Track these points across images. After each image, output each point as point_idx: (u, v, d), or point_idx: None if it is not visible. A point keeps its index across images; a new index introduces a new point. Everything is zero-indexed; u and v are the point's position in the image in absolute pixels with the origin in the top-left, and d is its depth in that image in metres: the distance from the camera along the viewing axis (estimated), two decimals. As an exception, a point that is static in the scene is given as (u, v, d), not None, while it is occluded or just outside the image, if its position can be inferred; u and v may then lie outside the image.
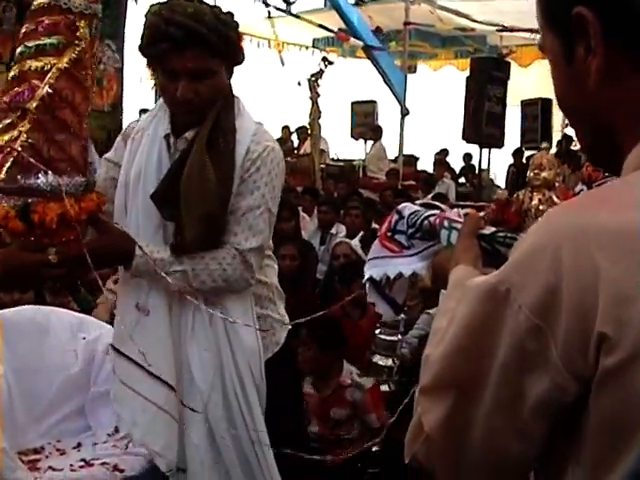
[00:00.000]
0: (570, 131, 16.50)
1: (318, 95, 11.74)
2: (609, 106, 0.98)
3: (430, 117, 17.67)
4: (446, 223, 1.59)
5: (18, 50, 2.10)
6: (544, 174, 2.38)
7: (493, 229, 1.53)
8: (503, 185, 14.46)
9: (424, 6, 13.73)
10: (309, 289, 5.87)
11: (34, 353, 3.37)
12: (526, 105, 14.53)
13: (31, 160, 2.00)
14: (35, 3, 2.08)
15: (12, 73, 2.09)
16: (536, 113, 14.18)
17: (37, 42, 2.05)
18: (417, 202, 1.80)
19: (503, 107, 12.69)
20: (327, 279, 6.07)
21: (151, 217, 2.45)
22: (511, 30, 14.46)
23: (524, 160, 13.69)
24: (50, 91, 2.02)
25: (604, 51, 0.95)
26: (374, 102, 15.95)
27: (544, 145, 2.22)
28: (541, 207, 2.44)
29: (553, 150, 13.68)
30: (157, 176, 2.43)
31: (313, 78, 11.60)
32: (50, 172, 2.02)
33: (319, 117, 12.09)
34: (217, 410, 2.51)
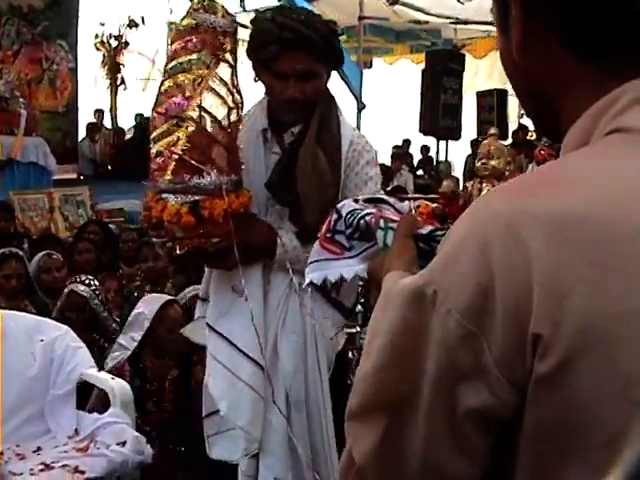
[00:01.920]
0: (526, 121, 16.70)
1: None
2: (537, 79, 0.92)
3: (386, 111, 17.73)
4: (382, 223, 1.49)
5: (169, 66, 2.38)
6: (493, 162, 2.15)
7: (430, 227, 1.42)
8: (461, 176, 14.56)
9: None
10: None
11: (-9, 357, 3.34)
12: (481, 96, 14.63)
13: (194, 162, 2.28)
14: (183, 24, 2.40)
15: (164, 87, 2.36)
16: (492, 104, 14.29)
17: (187, 58, 2.33)
18: (360, 197, 1.70)
19: (459, 99, 12.80)
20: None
21: (257, 203, 2.61)
22: (465, 22, 14.55)
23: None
24: (203, 100, 2.31)
25: (523, 20, 0.89)
26: (331, 97, 15.93)
27: (492, 131, 1.94)
28: None
29: (509, 140, 13.86)
30: (259, 166, 2.62)
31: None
32: (212, 172, 2.29)
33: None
34: (299, 394, 2.64)
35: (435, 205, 1.58)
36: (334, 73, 2.70)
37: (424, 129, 12.68)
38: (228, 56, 2.36)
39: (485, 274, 0.79)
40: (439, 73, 12.39)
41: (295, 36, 2.42)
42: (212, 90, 2.32)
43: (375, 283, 1.37)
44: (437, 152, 13.37)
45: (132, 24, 14.41)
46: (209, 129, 2.33)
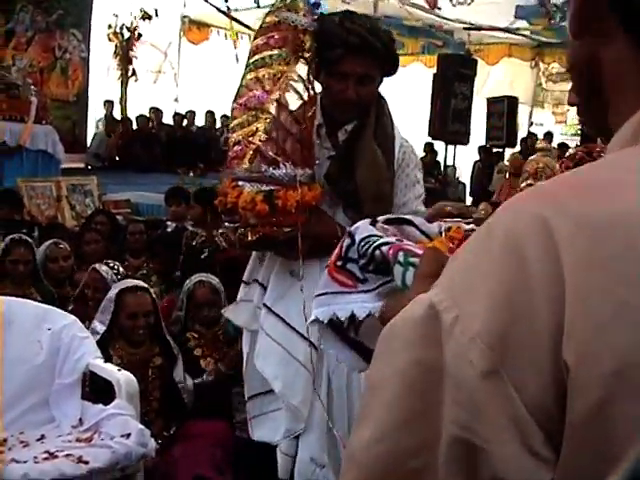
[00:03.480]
0: (535, 129, 16.69)
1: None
2: (590, 61, 0.80)
3: (396, 113, 17.70)
4: (401, 257, 1.26)
5: (251, 60, 2.50)
6: (541, 183, 2.01)
7: None
8: (467, 182, 14.55)
9: (393, 1, 13.76)
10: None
11: (-3, 344, 3.34)
12: (492, 103, 14.63)
13: (271, 153, 2.38)
14: (266, 20, 2.53)
15: (246, 80, 2.48)
16: (502, 111, 14.28)
17: (268, 53, 2.45)
18: (380, 217, 1.50)
19: (469, 104, 12.77)
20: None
21: None
22: (479, 29, 14.54)
23: (488, 156, 13.82)
24: (282, 94, 2.41)
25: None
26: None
27: (540, 145, 1.62)
28: None
29: (517, 148, 13.85)
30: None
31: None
32: (288, 164, 2.39)
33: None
34: (341, 379, 2.71)
35: (469, 227, 1.47)
36: None
37: (433, 133, 12.67)
38: (306, 53, 2.48)
39: (521, 291, 0.65)
40: (451, 78, 12.37)
41: (361, 42, 2.56)
42: (290, 85, 2.43)
43: None
44: (445, 157, 13.34)
45: (145, 16, 14.42)
46: (286, 123, 2.43)
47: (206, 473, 3.57)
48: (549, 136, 15.32)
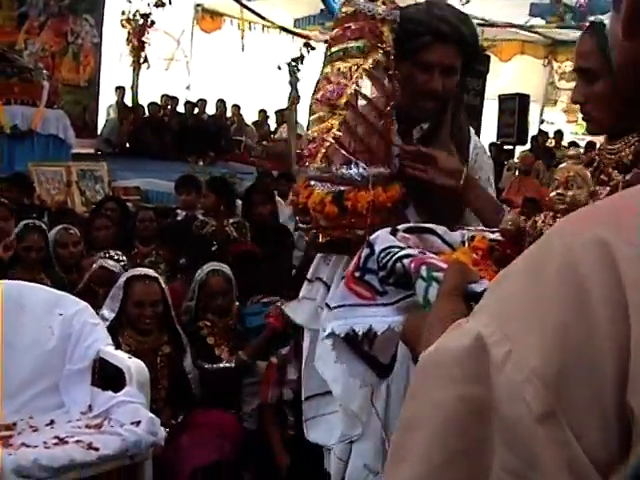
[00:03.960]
0: (545, 127, 16.64)
1: (298, 80, 11.70)
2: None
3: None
4: (424, 271, 1.17)
5: (329, 52, 2.38)
6: (572, 193, 1.71)
7: (487, 284, 1.10)
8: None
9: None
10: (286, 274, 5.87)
11: (8, 328, 3.35)
12: (503, 100, 14.58)
13: (343, 152, 2.24)
14: (342, 10, 2.39)
15: (323, 73, 2.37)
16: (513, 108, 14.24)
17: (345, 45, 2.31)
18: (400, 226, 1.44)
19: (481, 100, 12.73)
20: (302, 265, 6.05)
21: None
22: (492, 25, 14.48)
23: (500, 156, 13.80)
24: (357, 89, 2.27)
25: None
26: (352, 89, 15.90)
27: (571, 152, 1.53)
28: None
29: (528, 146, 13.81)
30: None
31: (293, 63, 11.56)
32: (361, 163, 2.24)
33: (297, 102, 12.04)
34: (400, 382, 2.57)
35: (493, 236, 1.38)
36: None
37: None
38: (386, 44, 2.33)
39: (582, 327, 0.59)
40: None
41: (451, 30, 2.43)
42: (369, 78, 2.30)
43: (411, 352, 1.11)
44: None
45: (159, 3, 14.35)
46: (361, 119, 2.29)
47: (212, 463, 3.58)
48: (559, 135, 15.30)
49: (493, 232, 1.52)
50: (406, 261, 1.22)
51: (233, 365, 4.12)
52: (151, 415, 3.11)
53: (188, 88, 15.85)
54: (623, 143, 2.02)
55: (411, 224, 1.51)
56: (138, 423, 3.02)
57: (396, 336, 1.27)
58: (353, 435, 2.63)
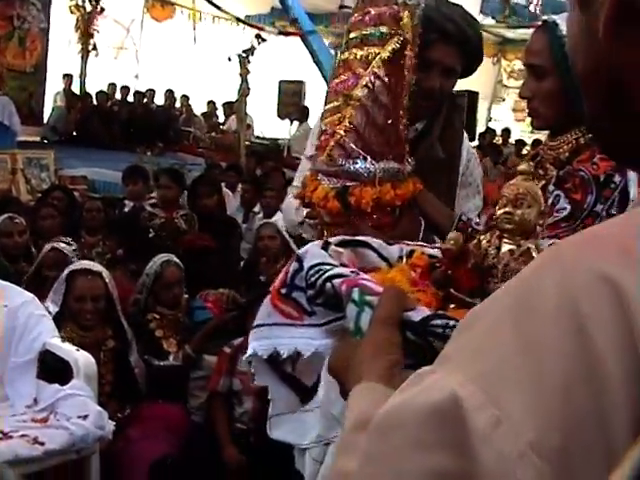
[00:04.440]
0: (493, 124, 16.81)
1: (248, 72, 11.63)
2: (621, 69, 0.66)
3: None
4: (356, 294, 1.06)
5: (346, 39, 2.23)
6: (521, 212, 1.49)
7: (426, 312, 1.02)
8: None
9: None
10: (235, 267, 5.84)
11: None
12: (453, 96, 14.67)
13: (352, 145, 2.10)
14: None
15: (339, 61, 2.22)
16: (462, 105, 14.34)
17: (363, 32, 2.16)
18: (333, 239, 1.34)
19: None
20: (251, 258, 6.03)
21: None
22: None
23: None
24: (373, 79, 2.12)
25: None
26: (302, 82, 15.89)
27: (522, 167, 1.42)
28: (513, 264, 1.47)
29: (475, 142, 13.94)
30: None
31: (244, 54, 11.48)
32: (369, 158, 2.10)
33: (247, 94, 11.97)
34: None
35: (433, 252, 1.25)
36: (308, 58, 2.58)
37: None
38: (405, 32, 2.18)
39: (588, 388, 0.49)
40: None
41: (456, 30, 2.38)
42: (384, 69, 2.14)
43: (339, 385, 1.02)
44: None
45: (109, -10, 14.20)
46: (373, 111, 2.15)
47: (160, 457, 3.55)
48: (507, 132, 15.48)
49: (433, 248, 1.44)
50: (337, 281, 1.10)
51: (180, 363, 4.09)
52: (99, 408, 3.07)
53: (137, 77, 15.69)
54: (562, 140, 2.10)
55: (345, 237, 1.40)
56: (85, 417, 2.98)
57: (323, 359, 1.16)
58: (330, 437, 2.62)
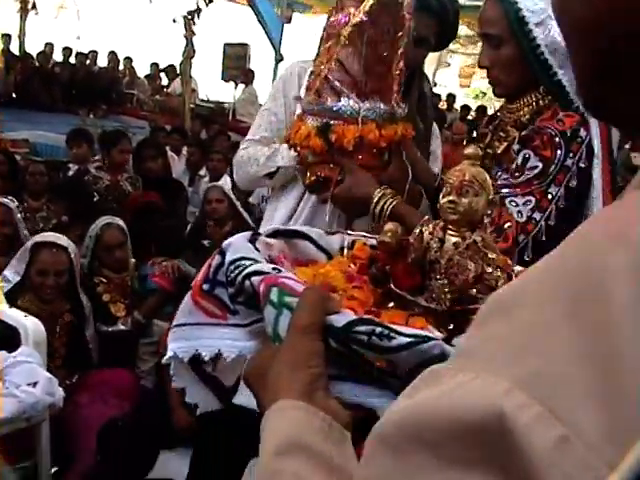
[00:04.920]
0: (438, 89, 16.84)
1: (193, 34, 11.46)
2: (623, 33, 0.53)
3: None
4: (274, 294, 0.96)
5: None
6: (467, 200, 1.31)
7: (350, 317, 0.92)
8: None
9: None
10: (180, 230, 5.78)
11: None
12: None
13: (337, 83, 2.03)
14: None
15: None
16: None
17: None
18: (264, 230, 1.23)
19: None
20: (198, 222, 5.98)
21: None
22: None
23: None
24: (365, 19, 2.01)
25: None
26: (247, 45, 15.70)
27: (469, 150, 1.34)
28: (457, 257, 1.16)
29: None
30: None
31: (189, 16, 11.30)
32: (353, 96, 2.03)
33: (192, 56, 11.81)
34: None
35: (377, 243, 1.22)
36: (253, 21, 2.47)
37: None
38: None
39: None
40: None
41: (437, 3, 2.35)
42: (378, 8, 2.02)
43: (257, 401, 0.89)
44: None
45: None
46: (361, 49, 2.05)
47: (110, 421, 3.52)
48: (451, 97, 15.54)
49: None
50: (255, 279, 1.00)
51: (129, 328, 4.05)
52: (49, 375, 3.01)
53: (78, 38, 15.35)
54: (522, 103, 2.13)
55: (279, 227, 1.28)
56: (35, 384, 2.92)
57: (245, 361, 1.06)
58: None
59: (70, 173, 6.58)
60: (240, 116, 13.59)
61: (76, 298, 3.87)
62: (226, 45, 15.90)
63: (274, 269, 1.02)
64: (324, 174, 2.14)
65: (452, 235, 1.15)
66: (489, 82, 2.22)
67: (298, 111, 2.34)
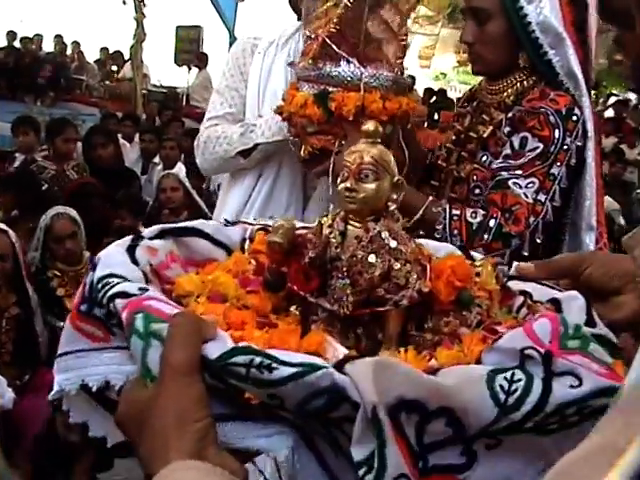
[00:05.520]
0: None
1: (144, 16, 11.31)
2: None
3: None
4: (139, 322, 0.83)
5: None
6: (367, 186, 1.00)
7: (225, 345, 0.80)
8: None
9: None
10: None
11: None
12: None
13: (333, 46, 1.88)
14: None
15: None
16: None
17: None
18: (149, 231, 1.12)
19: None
20: (152, 212, 5.90)
21: None
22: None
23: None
24: None
25: None
26: (200, 27, 15.58)
27: (368, 126, 1.20)
28: (360, 253, 1.00)
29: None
30: None
31: (140, -3, 11.16)
32: (354, 60, 1.89)
33: (143, 40, 11.66)
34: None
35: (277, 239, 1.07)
36: (209, 4, 2.33)
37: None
38: None
39: None
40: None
41: None
42: None
43: (138, 455, 0.76)
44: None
45: None
46: (362, 12, 1.90)
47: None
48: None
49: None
50: (119, 303, 0.87)
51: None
52: (-1, 377, 2.95)
53: (22, 22, 15.11)
54: (505, 84, 2.11)
55: (165, 226, 1.14)
56: (-18, 385, 2.86)
57: None
58: None
59: (16, 164, 6.44)
60: (194, 101, 13.47)
61: (23, 290, 3.76)
62: (178, 28, 15.77)
63: (141, 289, 0.90)
64: (321, 145, 2.00)
65: (354, 227, 1.02)
66: (469, 59, 2.18)
67: (289, 79, 2.27)
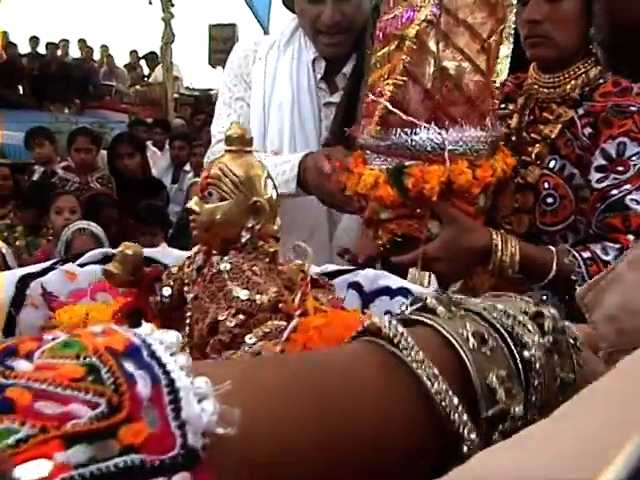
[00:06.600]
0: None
1: (172, 16, 11.30)
2: None
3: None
4: None
5: None
6: (208, 208, 0.95)
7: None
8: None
9: None
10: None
11: None
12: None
13: (397, 112, 1.56)
14: None
15: None
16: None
17: None
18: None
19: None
20: (181, 221, 5.80)
21: (307, 140, 2.31)
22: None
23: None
24: (436, 11, 1.55)
25: None
26: (234, 25, 15.57)
27: (230, 131, 0.99)
28: (201, 295, 0.90)
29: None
30: (312, 104, 2.33)
31: (166, -4, 11.17)
32: (433, 124, 1.57)
33: (172, 41, 11.65)
34: None
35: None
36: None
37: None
38: None
39: None
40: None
41: None
42: None
43: None
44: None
45: None
46: (446, 55, 1.59)
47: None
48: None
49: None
50: None
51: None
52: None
53: (43, 27, 15.21)
54: (567, 75, 1.90)
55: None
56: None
57: None
58: None
59: (36, 176, 6.41)
60: (230, 103, 13.43)
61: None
62: (211, 26, 15.75)
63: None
64: (402, 232, 1.69)
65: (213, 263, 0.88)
66: (530, 43, 1.89)
67: (295, 89, 2.26)
